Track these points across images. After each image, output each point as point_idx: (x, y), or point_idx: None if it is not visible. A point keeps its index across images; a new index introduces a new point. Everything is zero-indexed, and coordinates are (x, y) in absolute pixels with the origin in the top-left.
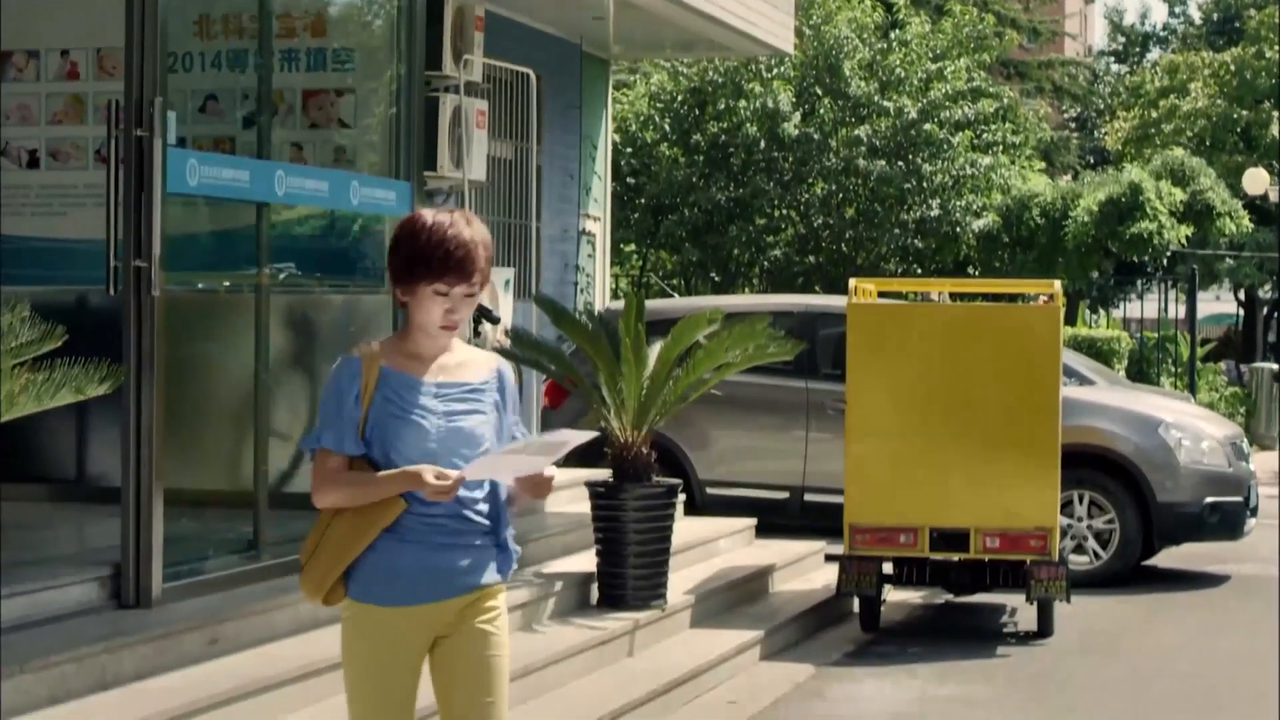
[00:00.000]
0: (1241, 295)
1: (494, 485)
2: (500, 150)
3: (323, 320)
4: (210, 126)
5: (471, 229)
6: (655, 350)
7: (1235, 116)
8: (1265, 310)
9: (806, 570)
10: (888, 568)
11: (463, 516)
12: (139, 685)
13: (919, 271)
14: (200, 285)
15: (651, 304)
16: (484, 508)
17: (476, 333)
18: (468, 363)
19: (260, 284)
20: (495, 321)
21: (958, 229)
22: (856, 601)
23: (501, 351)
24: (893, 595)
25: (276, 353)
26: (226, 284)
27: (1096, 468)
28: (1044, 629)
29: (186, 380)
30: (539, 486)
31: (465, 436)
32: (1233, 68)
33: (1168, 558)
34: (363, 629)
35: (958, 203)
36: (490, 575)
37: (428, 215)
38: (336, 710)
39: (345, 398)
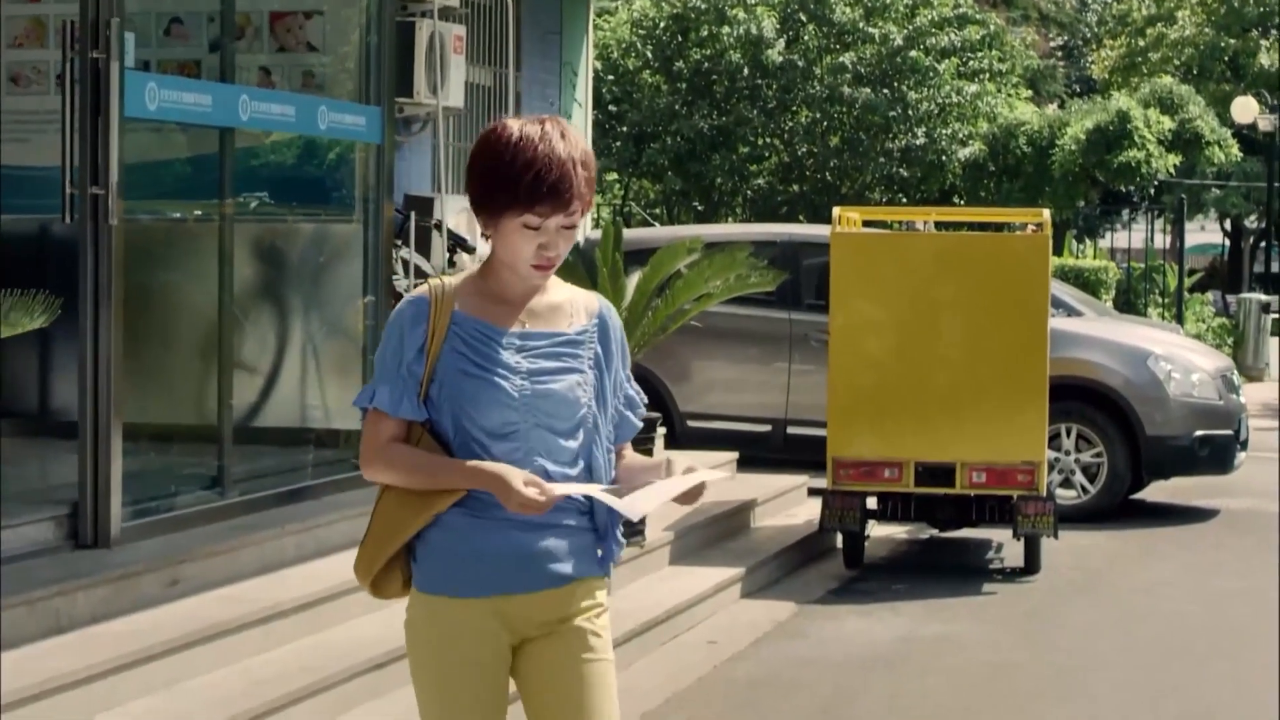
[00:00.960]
0: (1227, 225)
1: (590, 458)
2: (478, 77)
3: (291, 250)
4: (175, 51)
5: (567, 143)
6: (634, 280)
7: (1223, 45)
8: (1251, 240)
9: (789, 505)
10: (872, 503)
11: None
12: (94, 629)
13: (904, 201)
14: (163, 214)
15: (630, 233)
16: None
17: (451, 263)
18: (561, 306)
19: (224, 213)
20: (471, 251)
21: (943, 158)
22: (840, 537)
23: None
24: (877, 531)
25: (242, 284)
26: (196, 213)
27: (1084, 400)
28: (1031, 565)
29: (150, 312)
30: (692, 495)
31: (557, 401)
32: None
33: (1156, 492)
34: (432, 628)
35: (943, 131)
36: (589, 566)
37: (513, 126)
38: (302, 653)
39: (406, 347)
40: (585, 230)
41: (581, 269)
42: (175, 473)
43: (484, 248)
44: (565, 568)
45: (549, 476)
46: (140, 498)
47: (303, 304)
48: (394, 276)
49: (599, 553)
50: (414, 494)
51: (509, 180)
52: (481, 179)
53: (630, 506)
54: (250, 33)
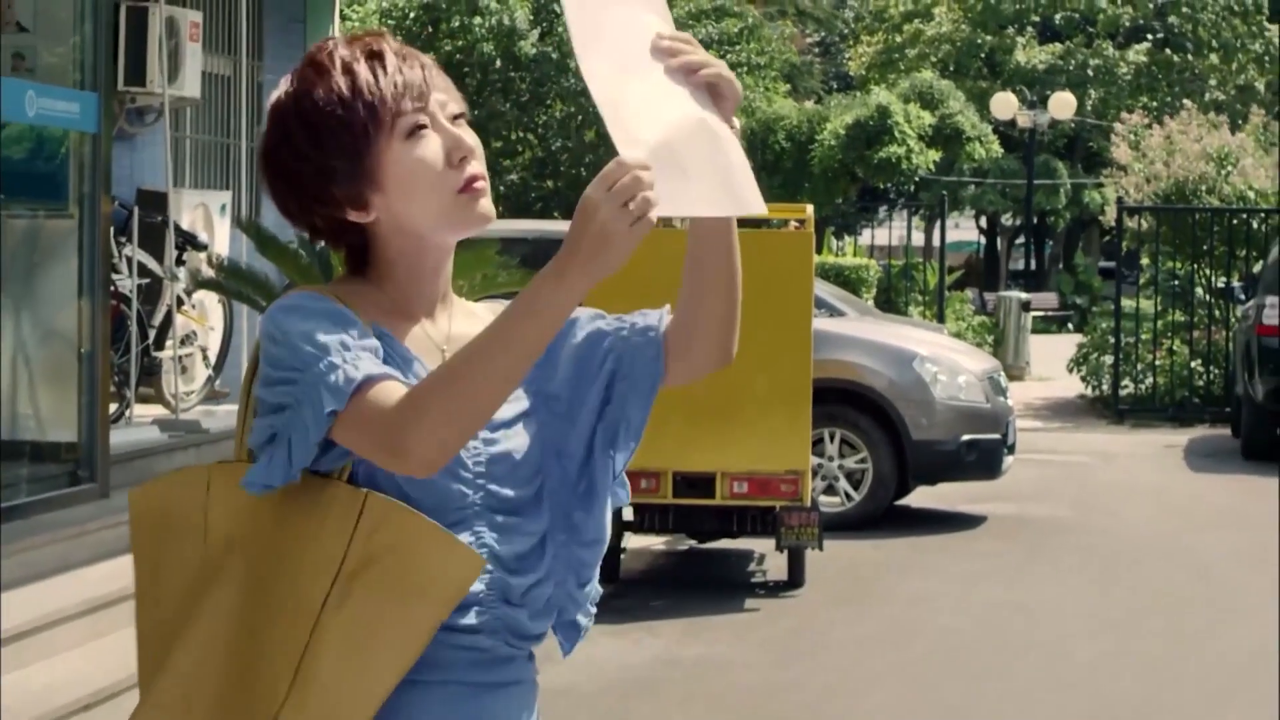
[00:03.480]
0: (983, 223)
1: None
2: (218, 66)
3: None
4: None
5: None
6: None
7: (980, 42)
8: (1009, 238)
9: None
10: (627, 513)
11: (520, 630)
12: None
13: None
14: None
15: None
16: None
17: (180, 261)
18: (471, 327)
19: None
20: (202, 248)
21: None
22: None
23: (207, 284)
24: (633, 542)
25: None
26: None
27: (848, 404)
28: (795, 578)
29: None
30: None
31: (509, 467)
32: None
33: (922, 497)
34: None
35: None
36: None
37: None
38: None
39: (345, 322)
40: None
41: (316, 269)
42: None
43: (225, 248)
44: None
45: (508, 598)
46: None
47: (13, 304)
48: (117, 276)
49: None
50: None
51: (357, 91)
52: (318, 119)
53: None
54: None
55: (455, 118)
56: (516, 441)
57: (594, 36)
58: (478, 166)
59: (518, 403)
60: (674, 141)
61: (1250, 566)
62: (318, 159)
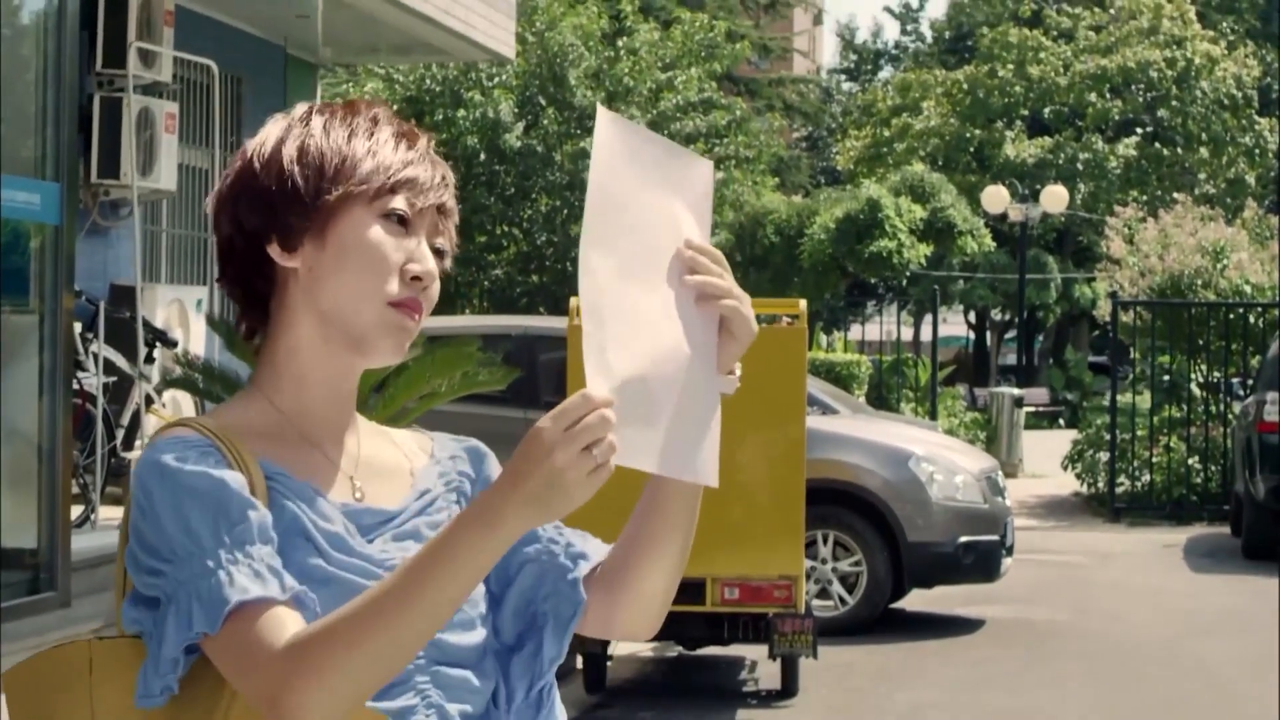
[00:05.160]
0: (972, 318)
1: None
2: (194, 159)
3: None
4: None
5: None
6: None
7: (968, 135)
8: (998, 332)
9: None
10: None
11: None
12: None
13: None
14: None
15: None
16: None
17: (150, 359)
18: (388, 448)
19: None
20: (172, 345)
21: None
22: (580, 659)
23: (175, 382)
24: (620, 649)
25: None
26: None
27: (842, 505)
28: (788, 687)
29: None
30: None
31: (454, 660)
32: (965, 86)
33: (918, 599)
34: None
35: None
36: None
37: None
38: None
39: (227, 501)
40: None
41: None
42: None
43: (199, 346)
44: None
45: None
46: None
47: None
48: (83, 374)
49: None
50: None
51: (371, 139)
52: (314, 136)
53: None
54: None
55: (436, 251)
56: None
57: (607, 222)
58: (424, 300)
59: None
60: (650, 381)
61: (1254, 672)
62: (286, 166)
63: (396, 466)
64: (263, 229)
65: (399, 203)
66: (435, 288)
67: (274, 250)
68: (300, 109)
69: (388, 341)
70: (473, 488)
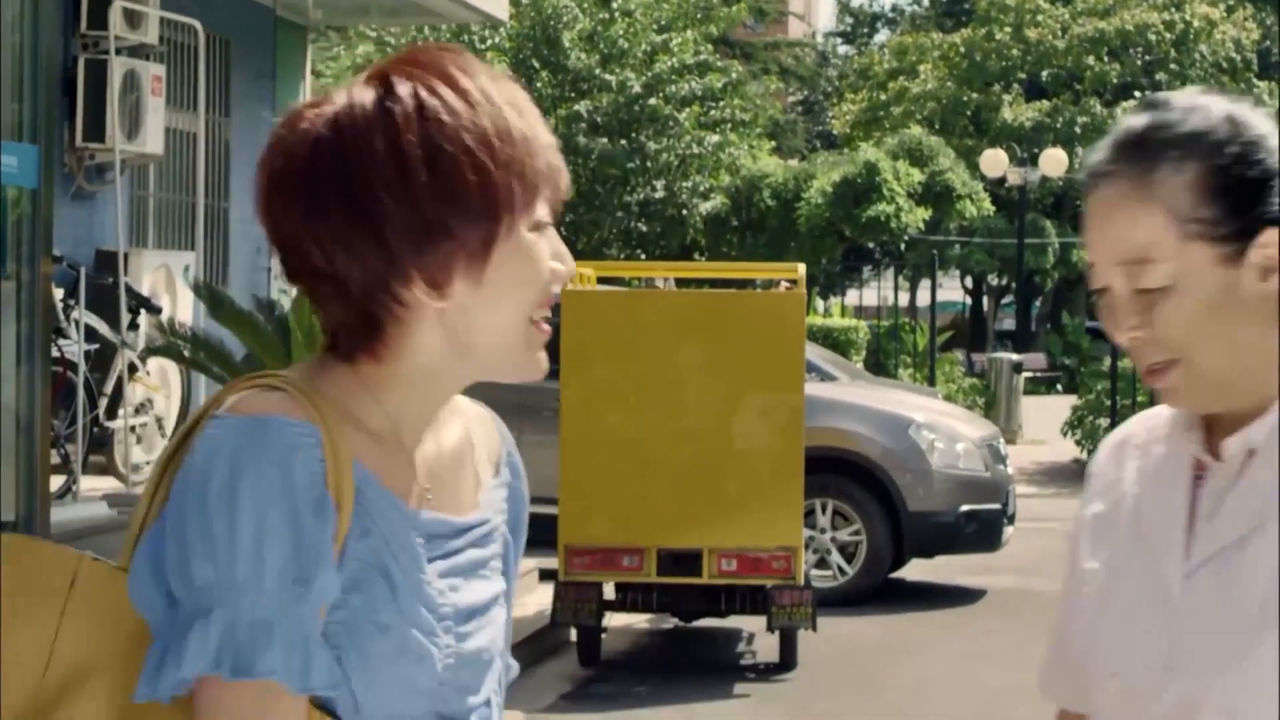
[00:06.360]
0: (969, 282)
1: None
2: (182, 122)
3: None
4: None
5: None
6: None
7: (965, 99)
8: (995, 298)
9: (519, 591)
10: (609, 591)
11: None
12: None
13: (643, 257)
14: None
15: None
16: None
17: (134, 325)
18: (461, 450)
19: None
20: (156, 312)
21: (684, 211)
22: (574, 631)
23: (158, 350)
24: (616, 620)
25: None
26: None
27: (841, 473)
28: (787, 660)
29: None
30: None
31: (478, 670)
32: (962, 49)
33: (918, 569)
34: None
35: (684, 184)
36: None
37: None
38: None
39: (314, 539)
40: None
41: (275, 338)
42: None
43: (187, 313)
44: None
45: None
46: None
47: None
48: (64, 341)
49: None
50: None
51: (512, 139)
52: (450, 159)
53: None
54: None
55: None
56: (488, 635)
57: None
58: (553, 302)
59: (493, 580)
60: None
61: None
62: (429, 210)
63: (464, 465)
64: (406, 274)
65: (545, 203)
66: (573, 264)
67: (421, 293)
68: (394, 90)
69: (528, 359)
70: (510, 502)
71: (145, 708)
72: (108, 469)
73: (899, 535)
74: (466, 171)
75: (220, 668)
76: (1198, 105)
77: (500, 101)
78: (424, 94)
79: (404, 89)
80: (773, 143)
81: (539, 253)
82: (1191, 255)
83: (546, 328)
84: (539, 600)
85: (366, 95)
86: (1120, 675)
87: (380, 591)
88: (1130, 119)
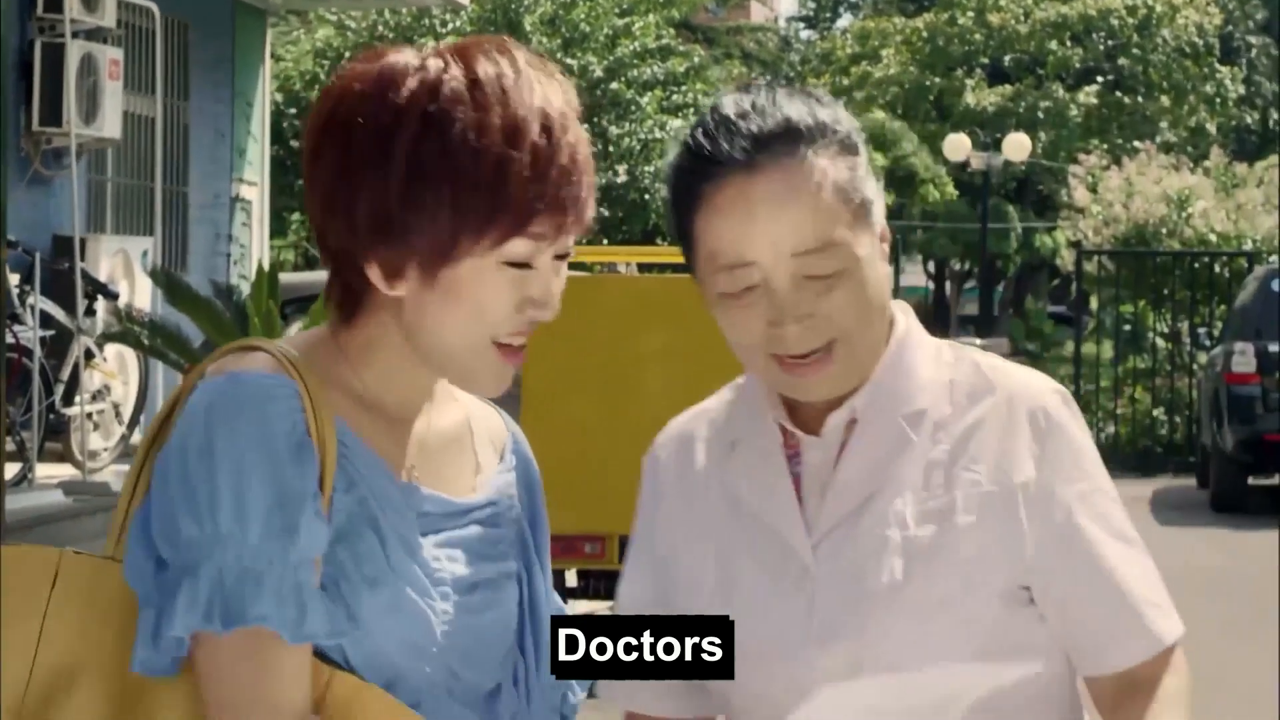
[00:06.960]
0: (931, 267)
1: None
2: (140, 106)
3: None
4: None
5: (556, 86)
6: (293, 332)
7: (928, 84)
8: (957, 282)
9: None
10: (571, 578)
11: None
12: None
13: (605, 242)
14: None
15: (290, 277)
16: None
17: (91, 311)
18: (459, 432)
19: None
20: (113, 297)
21: (647, 196)
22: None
23: (113, 336)
24: (577, 608)
25: None
26: None
27: None
28: None
29: None
30: None
31: (485, 644)
32: (925, 34)
33: None
34: None
35: (646, 169)
36: None
37: (443, 60)
38: None
39: (296, 487)
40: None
41: (232, 323)
42: None
43: (144, 299)
44: None
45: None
46: None
47: None
48: (18, 327)
49: None
50: None
51: (482, 169)
52: (407, 174)
53: None
54: None
55: (559, 256)
56: (496, 614)
57: None
58: (545, 315)
59: (503, 563)
60: None
61: (1225, 627)
62: (394, 207)
63: (462, 448)
64: (364, 251)
65: (518, 247)
66: (558, 298)
67: (374, 276)
68: (423, 62)
69: (484, 380)
70: (524, 488)
71: (142, 695)
72: (64, 456)
73: None
74: (442, 187)
75: (211, 620)
76: (811, 95)
77: (530, 119)
78: (445, 104)
79: (430, 87)
80: None
81: (498, 288)
82: (860, 238)
83: (517, 354)
84: None
85: (410, 78)
86: (767, 652)
87: (369, 545)
88: (775, 110)
